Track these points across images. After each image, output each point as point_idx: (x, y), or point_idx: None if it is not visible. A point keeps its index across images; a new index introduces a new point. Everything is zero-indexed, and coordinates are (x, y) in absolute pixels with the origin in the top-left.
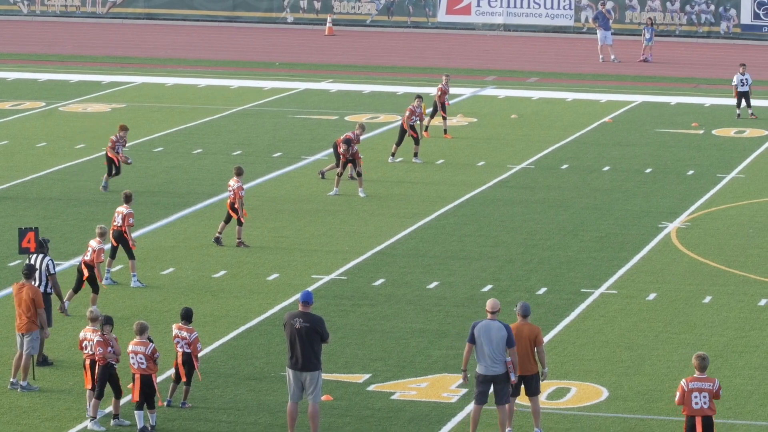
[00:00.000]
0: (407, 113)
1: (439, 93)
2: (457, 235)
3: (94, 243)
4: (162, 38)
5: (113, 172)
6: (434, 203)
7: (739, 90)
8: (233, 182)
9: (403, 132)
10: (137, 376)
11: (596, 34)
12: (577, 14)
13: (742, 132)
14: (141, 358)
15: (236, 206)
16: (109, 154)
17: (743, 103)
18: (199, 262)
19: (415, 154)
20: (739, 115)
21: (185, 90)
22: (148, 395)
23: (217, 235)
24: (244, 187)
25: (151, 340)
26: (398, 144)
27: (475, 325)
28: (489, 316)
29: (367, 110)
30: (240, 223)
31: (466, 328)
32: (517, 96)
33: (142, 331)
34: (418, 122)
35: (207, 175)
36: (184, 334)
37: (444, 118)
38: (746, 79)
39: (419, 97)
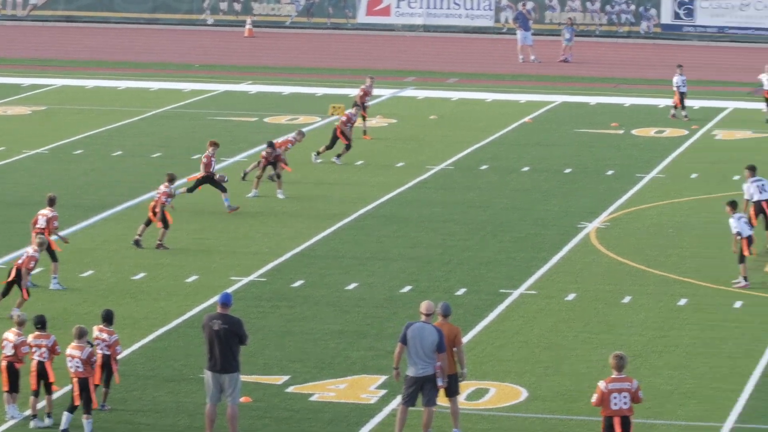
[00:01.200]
0: (344, 118)
1: (361, 93)
2: (376, 236)
3: (30, 249)
4: (82, 40)
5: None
6: (353, 204)
7: (681, 91)
8: (163, 187)
9: (335, 137)
10: (75, 379)
11: (516, 34)
12: (497, 15)
13: (662, 132)
14: (78, 362)
15: (156, 210)
16: (205, 173)
17: (681, 103)
18: (118, 265)
19: (338, 156)
20: (686, 116)
21: (105, 92)
22: (84, 400)
23: (136, 237)
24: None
25: (90, 344)
26: (329, 147)
27: (408, 326)
28: (423, 318)
29: (286, 112)
30: (167, 227)
31: (385, 329)
32: (437, 97)
33: (81, 335)
34: (350, 129)
35: (126, 177)
36: (104, 336)
37: (364, 119)
38: (683, 79)
39: (357, 105)
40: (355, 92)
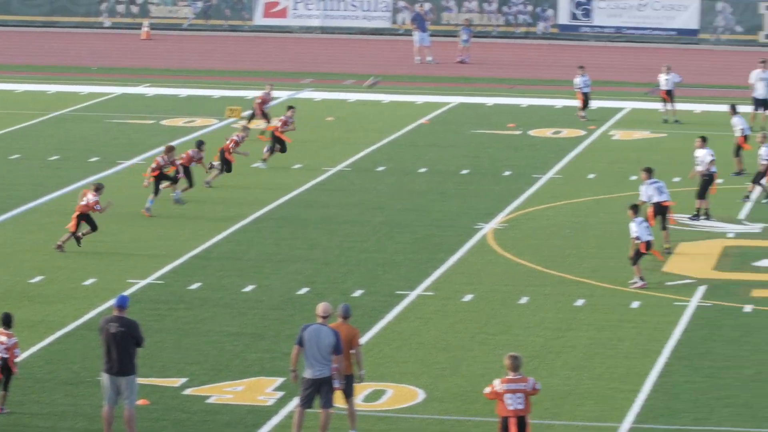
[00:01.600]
0: (279, 123)
1: (259, 101)
2: (273, 238)
3: None
4: None
5: (157, 191)
6: (251, 206)
7: (584, 91)
8: (91, 195)
9: (276, 140)
10: None
11: (413, 35)
12: (394, 16)
13: (559, 132)
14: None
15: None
16: (153, 174)
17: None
18: (15, 267)
19: (265, 158)
20: (584, 116)
21: (2, 95)
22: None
23: (78, 235)
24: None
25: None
26: (282, 150)
27: (305, 328)
28: (320, 320)
29: (183, 114)
30: (74, 235)
31: (282, 331)
32: (334, 98)
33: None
34: (291, 130)
35: (24, 180)
36: (3, 339)
37: (268, 122)
38: (587, 80)
39: (291, 107)
40: (253, 94)
